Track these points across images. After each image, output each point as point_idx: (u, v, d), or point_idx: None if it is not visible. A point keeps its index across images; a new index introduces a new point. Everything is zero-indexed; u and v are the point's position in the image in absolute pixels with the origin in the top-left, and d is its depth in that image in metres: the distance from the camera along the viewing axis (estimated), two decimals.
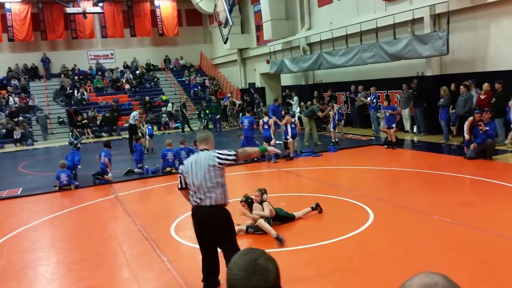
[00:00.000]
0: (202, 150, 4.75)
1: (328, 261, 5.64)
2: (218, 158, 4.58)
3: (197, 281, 4.98)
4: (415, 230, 6.39)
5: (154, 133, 18.95)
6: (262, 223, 6.54)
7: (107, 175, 11.51)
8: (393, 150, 12.90)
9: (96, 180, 11.43)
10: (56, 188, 10.97)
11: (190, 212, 4.83)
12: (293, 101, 20.84)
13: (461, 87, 12.60)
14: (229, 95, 25.77)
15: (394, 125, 13.21)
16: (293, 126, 13.00)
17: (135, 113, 17.16)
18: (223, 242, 4.73)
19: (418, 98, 14.72)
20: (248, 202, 6.88)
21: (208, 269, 4.89)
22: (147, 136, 16.39)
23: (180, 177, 4.80)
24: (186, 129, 22.74)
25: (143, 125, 17.02)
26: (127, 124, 17.77)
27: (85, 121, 23.95)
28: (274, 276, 1.45)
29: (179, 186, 4.83)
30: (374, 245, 5.97)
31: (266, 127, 12.83)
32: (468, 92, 12.60)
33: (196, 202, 4.65)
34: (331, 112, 14.77)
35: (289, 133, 12.74)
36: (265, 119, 12.99)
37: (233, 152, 4.65)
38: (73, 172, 11.90)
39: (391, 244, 6.03)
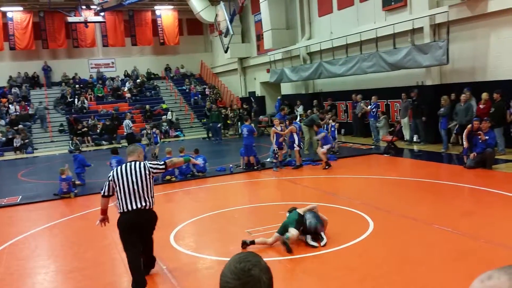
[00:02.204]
0: (131, 162, 5.31)
1: (329, 269, 5.62)
2: (151, 168, 5.27)
3: None
4: (416, 240, 6.37)
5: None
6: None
7: None
8: (394, 158, 12.86)
9: None
10: (56, 196, 10.96)
11: (119, 217, 5.28)
12: (299, 110, 20.78)
13: (462, 96, 12.62)
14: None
15: (327, 145, 12.62)
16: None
17: (127, 122, 18.04)
18: (150, 238, 5.50)
19: (417, 108, 14.71)
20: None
21: (139, 265, 5.25)
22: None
23: (108, 184, 5.26)
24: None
25: (148, 133, 17.07)
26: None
27: (85, 129, 23.98)
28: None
29: (106, 193, 5.34)
30: (375, 255, 5.95)
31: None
32: (468, 101, 12.62)
33: (131, 206, 5.14)
34: (330, 121, 14.78)
35: (296, 141, 12.75)
36: (278, 128, 13.05)
37: (161, 162, 5.48)
38: (83, 175, 12.21)
39: (391, 253, 6.01)
